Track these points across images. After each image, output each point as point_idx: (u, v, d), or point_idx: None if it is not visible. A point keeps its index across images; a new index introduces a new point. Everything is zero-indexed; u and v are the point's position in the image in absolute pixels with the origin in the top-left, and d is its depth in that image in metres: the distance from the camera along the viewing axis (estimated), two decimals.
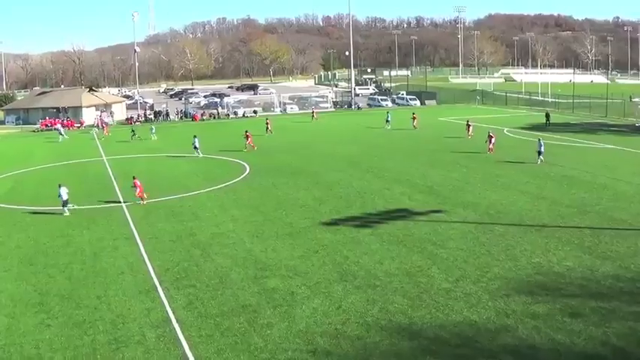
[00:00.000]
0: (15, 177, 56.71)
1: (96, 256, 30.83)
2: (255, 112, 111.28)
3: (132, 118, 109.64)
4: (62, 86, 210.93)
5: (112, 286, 26.34)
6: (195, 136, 61.77)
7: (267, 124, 79.06)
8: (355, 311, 22.68)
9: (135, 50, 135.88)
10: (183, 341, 20.76)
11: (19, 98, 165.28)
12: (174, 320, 22.36)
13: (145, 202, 41.83)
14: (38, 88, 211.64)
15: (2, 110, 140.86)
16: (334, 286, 25.17)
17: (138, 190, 42.00)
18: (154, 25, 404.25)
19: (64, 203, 39.98)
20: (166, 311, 23.22)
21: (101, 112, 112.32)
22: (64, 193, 39.87)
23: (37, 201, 44.35)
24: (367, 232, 32.74)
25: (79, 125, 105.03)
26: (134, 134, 79.88)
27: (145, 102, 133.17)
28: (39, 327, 22.56)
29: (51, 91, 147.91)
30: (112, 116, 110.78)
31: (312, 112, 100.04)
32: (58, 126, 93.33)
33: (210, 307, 23.59)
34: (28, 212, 41.34)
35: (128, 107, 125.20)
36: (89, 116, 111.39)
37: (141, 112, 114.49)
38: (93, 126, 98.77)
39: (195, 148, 60.91)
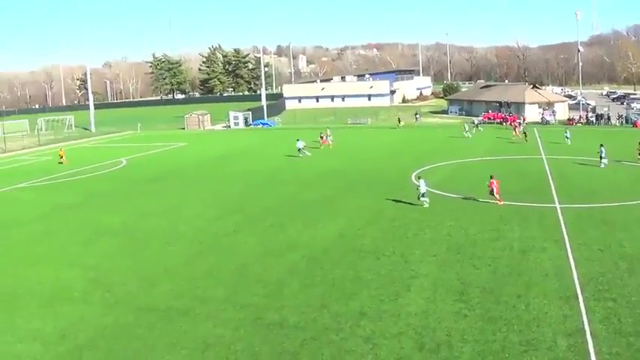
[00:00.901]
0: (453, 166, 59.20)
1: (523, 254, 30.51)
2: None
3: (573, 118, 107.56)
4: (506, 81, 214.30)
5: (534, 287, 25.82)
6: (601, 145, 57.14)
7: None
8: None
9: (578, 50, 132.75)
10: (593, 356, 19.64)
11: (463, 90, 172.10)
12: (587, 332, 21.24)
13: (501, 203, 41.27)
14: (482, 81, 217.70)
15: (447, 100, 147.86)
16: None
17: (494, 190, 41.61)
18: (597, 24, 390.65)
19: (422, 195, 41.33)
20: (582, 322, 22.12)
21: (543, 109, 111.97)
22: (423, 185, 41.31)
23: (471, 191, 45.57)
24: None
25: (519, 122, 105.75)
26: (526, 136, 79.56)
27: (587, 103, 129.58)
28: (455, 316, 22.96)
29: (494, 85, 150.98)
30: (554, 115, 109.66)
31: None
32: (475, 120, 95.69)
33: (626, 324, 21.88)
34: (462, 202, 42.67)
35: (570, 107, 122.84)
36: (531, 113, 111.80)
37: (582, 114, 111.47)
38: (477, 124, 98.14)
39: (600, 157, 56.35)
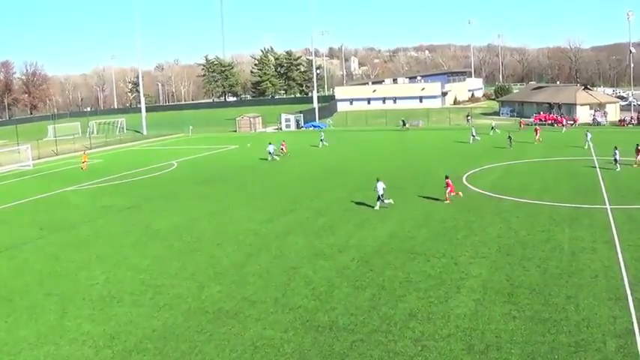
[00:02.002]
0: (505, 167, 58.82)
1: (573, 255, 30.24)
2: None
3: (624, 120, 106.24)
4: (557, 82, 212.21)
5: (584, 288, 25.58)
6: (615, 148, 56.17)
7: None
8: None
9: (630, 51, 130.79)
10: None
11: (515, 91, 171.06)
12: (637, 333, 21.05)
13: (449, 201, 43.54)
14: (534, 82, 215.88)
15: (498, 101, 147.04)
16: None
17: (449, 189, 43.62)
18: None
19: (379, 197, 42.29)
20: (631, 322, 21.89)
21: (595, 111, 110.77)
22: (380, 188, 42.20)
23: (523, 193, 45.49)
24: None
25: (572, 123, 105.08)
26: (510, 141, 74.85)
27: (639, 104, 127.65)
28: (504, 317, 22.83)
29: (546, 86, 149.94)
30: (605, 116, 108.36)
31: None
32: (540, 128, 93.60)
33: None
34: (512, 203, 42.42)
35: (622, 109, 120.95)
36: (583, 114, 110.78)
37: (634, 115, 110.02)
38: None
39: (615, 161, 55.62)
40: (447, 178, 44.49)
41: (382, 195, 42.27)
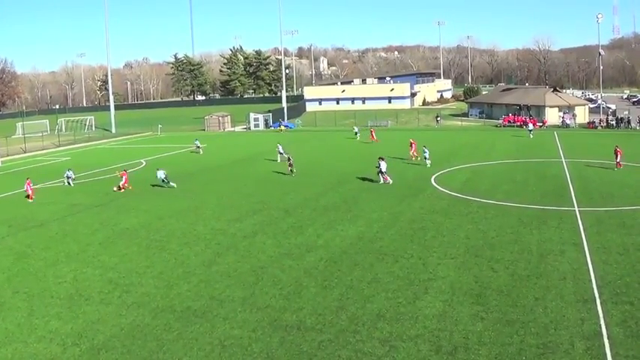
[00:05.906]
0: (474, 169, 59.08)
1: (542, 257, 30.37)
2: None
3: (593, 122, 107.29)
4: (527, 84, 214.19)
5: (552, 289, 25.71)
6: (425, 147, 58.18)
7: None
8: None
9: (599, 53, 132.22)
10: (610, 359, 19.58)
11: (484, 92, 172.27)
12: (605, 335, 21.16)
13: (121, 190, 54.02)
14: (503, 84, 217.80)
15: (467, 103, 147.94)
16: None
17: (123, 180, 54.58)
18: (619, 28, 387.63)
19: (163, 180, 54.68)
20: (599, 325, 22.02)
21: (564, 113, 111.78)
22: (161, 174, 55.01)
23: (491, 195, 45.63)
24: None
25: (541, 125, 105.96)
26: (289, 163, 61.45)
27: (608, 107, 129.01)
28: (472, 318, 22.89)
29: (515, 87, 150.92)
30: (574, 119, 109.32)
31: None
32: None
33: None
34: (481, 204, 42.66)
35: (591, 111, 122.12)
36: (552, 116, 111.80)
37: (603, 117, 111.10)
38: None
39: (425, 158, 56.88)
40: (125, 170, 55.83)
41: (165, 179, 54.68)
